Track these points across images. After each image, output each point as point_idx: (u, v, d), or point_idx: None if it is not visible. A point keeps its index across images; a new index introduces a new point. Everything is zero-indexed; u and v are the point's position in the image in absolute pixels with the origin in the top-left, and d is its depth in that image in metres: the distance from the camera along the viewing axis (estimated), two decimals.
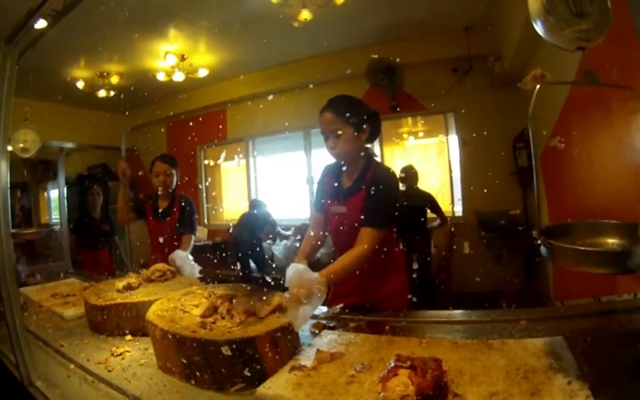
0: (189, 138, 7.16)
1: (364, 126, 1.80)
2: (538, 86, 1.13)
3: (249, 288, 1.50)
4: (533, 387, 0.97)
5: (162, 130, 7.60)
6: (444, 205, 5.02)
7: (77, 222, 4.63)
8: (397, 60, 5.17)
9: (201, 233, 6.96)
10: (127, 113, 7.28)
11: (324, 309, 1.83)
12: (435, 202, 4.66)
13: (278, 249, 5.98)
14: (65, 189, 7.26)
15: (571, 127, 3.08)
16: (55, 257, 5.78)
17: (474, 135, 5.00)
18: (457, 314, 1.66)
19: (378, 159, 1.97)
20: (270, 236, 5.91)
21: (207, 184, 7.50)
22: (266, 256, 5.67)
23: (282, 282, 1.45)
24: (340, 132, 1.76)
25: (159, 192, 2.93)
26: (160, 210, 2.95)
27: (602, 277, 1.89)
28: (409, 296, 1.89)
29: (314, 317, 1.68)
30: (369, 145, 1.92)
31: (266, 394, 1.12)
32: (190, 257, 2.63)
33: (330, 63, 5.53)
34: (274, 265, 5.57)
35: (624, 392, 0.95)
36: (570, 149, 2.99)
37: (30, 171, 7.50)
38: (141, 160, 7.41)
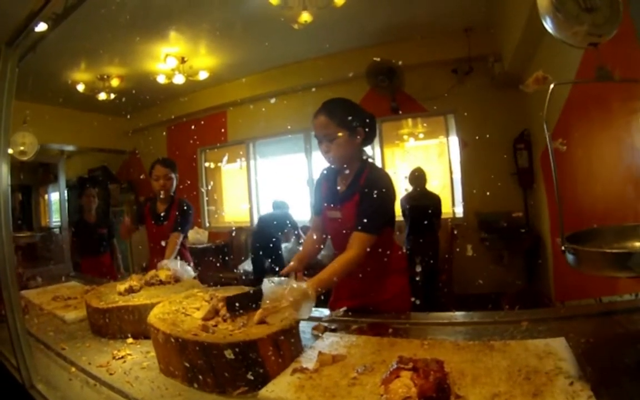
0: (190, 141, 7.17)
1: (359, 129, 1.78)
2: (552, 86, 1.11)
3: (251, 291, 1.49)
4: (535, 388, 0.97)
5: (164, 133, 7.61)
6: (445, 207, 5.05)
7: (74, 226, 4.52)
8: (400, 63, 5.18)
9: (202, 236, 6.97)
10: (128, 116, 7.31)
11: (326, 312, 1.83)
12: (439, 206, 4.71)
13: (321, 250, 5.83)
14: (65, 191, 7.26)
15: (572, 128, 3.09)
16: (56, 260, 5.77)
17: (477, 138, 5.00)
18: (459, 315, 1.66)
19: (376, 162, 1.96)
20: (292, 237, 5.80)
21: (209, 187, 7.51)
22: (284, 258, 5.59)
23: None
24: (334, 136, 1.74)
25: (161, 196, 2.93)
26: (159, 214, 2.95)
27: (603, 277, 1.89)
28: (412, 298, 1.89)
29: (317, 319, 1.69)
30: (366, 148, 1.91)
31: (268, 397, 1.12)
32: (179, 262, 2.57)
33: (331, 65, 5.54)
34: None
35: (625, 392, 0.95)
36: (571, 150, 3.00)
37: (31, 174, 7.50)
38: (142, 163, 7.43)
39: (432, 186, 4.99)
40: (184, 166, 6.00)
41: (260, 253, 5.37)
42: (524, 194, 5.05)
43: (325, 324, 1.64)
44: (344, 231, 1.77)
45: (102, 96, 5.89)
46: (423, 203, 4.64)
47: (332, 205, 1.88)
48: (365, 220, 1.68)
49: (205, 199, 7.53)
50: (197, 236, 6.76)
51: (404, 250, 1.98)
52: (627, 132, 2.35)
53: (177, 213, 2.93)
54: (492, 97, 4.96)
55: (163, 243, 2.82)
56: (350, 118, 1.75)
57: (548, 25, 1.16)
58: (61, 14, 1.57)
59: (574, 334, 1.23)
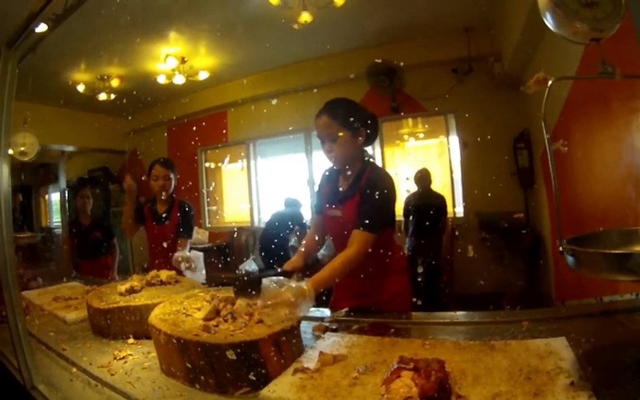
0: (191, 142, 7.17)
1: (361, 129, 1.79)
2: (550, 83, 1.10)
3: (253, 292, 1.49)
4: (536, 388, 0.97)
5: (165, 134, 7.62)
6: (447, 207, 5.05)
7: (71, 228, 4.39)
8: (401, 64, 5.17)
9: (202, 236, 6.97)
10: (129, 117, 7.31)
11: (327, 312, 1.84)
12: (445, 206, 4.73)
13: (322, 250, 5.81)
14: (66, 192, 7.27)
15: (571, 128, 3.09)
16: (57, 260, 5.77)
17: (478, 139, 4.99)
18: (460, 315, 1.66)
19: (376, 162, 1.97)
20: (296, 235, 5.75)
21: (210, 188, 7.50)
22: (291, 256, 5.52)
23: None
24: (336, 136, 1.75)
25: (162, 197, 2.93)
26: (159, 215, 2.95)
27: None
28: (413, 299, 1.89)
29: (318, 319, 1.69)
30: (367, 148, 1.91)
31: (270, 397, 1.12)
32: (199, 253, 2.64)
33: (331, 65, 5.53)
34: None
35: (626, 392, 0.95)
36: (571, 150, 3.00)
37: (32, 174, 7.50)
38: (143, 164, 7.43)
39: (433, 186, 4.99)
40: (184, 166, 6.00)
41: (269, 249, 5.36)
42: (525, 193, 5.04)
43: (327, 324, 1.64)
44: (345, 231, 1.77)
45: (103, 97, 5.88)
46: (429, 203, 4.66)
47: (333, 204, 1.88)
48: (366, 220, 1.69)
49: (207, 199, 7.53)
50: (197, 236, 6.75)
51: (406, 251, 1.99)
52: (627, 132, 2.34)
53: (178, 215, 2.92)
54: (492, 96, 4.96)
55: (165, 244, 2.82)
56: (352, 118, 1.75)
57: (548, 21, 1.15)
58: (61, 15, 1.57)
59: (575, 334, 1.23)
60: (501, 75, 4.71)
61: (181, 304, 1.56)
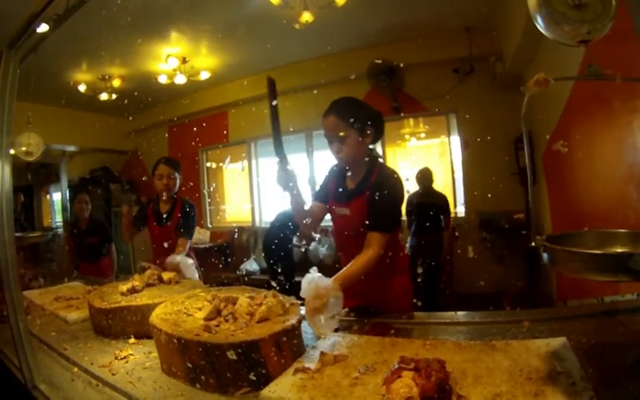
0: (192, 142, 7.17)
1: (368, 128, 1.79)
2: (527, 97, 1.09)
3: (253, 294, 1.50)
4: (536, 388, 0.97)
5: (165, 134, 7.62)
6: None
7: (69, 231, 4.40)
8: (401, 64, 5.17)
9: (203, 235, 6.97)
10: (130, 117, 7.32)
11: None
12: (447, 205, 4.72)
13: (323, 249, 5.86)
14: (67, 192, 7.28)
15: (572, 129, 3.08)
16: (58, 260, 5.78)
17: (478, 139, 4.98)
18: (460, 315, 1.66)
19: (382, 160, 1.96)
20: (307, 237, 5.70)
21: (211, 189, 7.50)
22: (295, 259, 5.51)
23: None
24: (345, 136, 1.75)
25: (164, 197, 2.93)
26: (161, 214, 2.95)
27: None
28: (414, 300, 1.89)
29: None
30: (373, 147, 1.91)
31: (271, 397, 1.12)
32: (190, 261, 2.63)
33: (332, 65, 5.52)
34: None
35: (627, 393, 0.95)
36: (572, 151, 2.99)
37: (33, 174, 7.52)
38: (144, 164, 7.44)
39: (435, 186, 4.99)
40: (185, 166, 5.98)
41: (272, 248, 5.35)
42: (525, 193, 5.03)
43: None
44: (352, 228, 1.78)
45: (104, 97, 5.88)
46: (430, 202, 4.66)
47: (340, 202, 1.88)
48: (381, 220, 1.70)
49: (208, 199, 7.53)
50: (199, 236, 6.76)
51: (407, 250, 1.99)
52: (628, 132, 2.34)
53: (179, 214, 2.92)
54: (493, 96, 4.94)
55: (166, 244, 2.82)
56: (359, 117, 1.75)
57: (539, 24, 1.15)
58: (62, 15, 1.58)
59: (576, 334, 1.23)
60: (502, 75, 4.69)
61: (182, 304, 1.56)
